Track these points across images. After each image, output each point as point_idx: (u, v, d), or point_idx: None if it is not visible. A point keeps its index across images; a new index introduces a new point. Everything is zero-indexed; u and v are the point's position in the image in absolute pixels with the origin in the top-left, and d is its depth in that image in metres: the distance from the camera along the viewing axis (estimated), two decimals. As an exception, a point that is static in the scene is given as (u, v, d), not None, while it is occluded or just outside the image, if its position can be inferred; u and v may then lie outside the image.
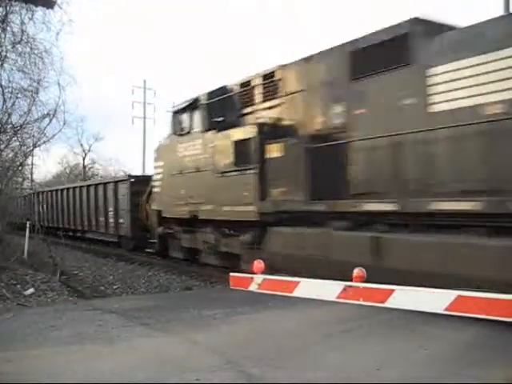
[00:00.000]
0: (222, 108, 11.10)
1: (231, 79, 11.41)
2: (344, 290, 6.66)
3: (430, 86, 7.05)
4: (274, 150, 9.24)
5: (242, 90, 10.94)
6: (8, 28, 11.49)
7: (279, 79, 9.91)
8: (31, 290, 8.81)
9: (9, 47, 11.72)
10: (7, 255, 11.36)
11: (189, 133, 11.90)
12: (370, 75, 7.92)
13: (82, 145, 42.93)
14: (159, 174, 13.45)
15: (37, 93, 12.24)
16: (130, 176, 18.34)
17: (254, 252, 9.59)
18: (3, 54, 11.58)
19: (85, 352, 4.71)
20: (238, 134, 10.11)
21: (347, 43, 8.40)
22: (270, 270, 8.18)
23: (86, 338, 5.15)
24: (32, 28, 11.79)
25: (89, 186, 22.07)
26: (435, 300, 5.81)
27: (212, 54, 77.06)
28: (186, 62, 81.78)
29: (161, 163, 13.36)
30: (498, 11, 14.77)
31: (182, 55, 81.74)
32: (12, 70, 12.03)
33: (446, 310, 5.67)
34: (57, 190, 25.87)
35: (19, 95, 12.22)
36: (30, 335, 5.33)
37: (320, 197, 8.23)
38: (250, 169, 9.63)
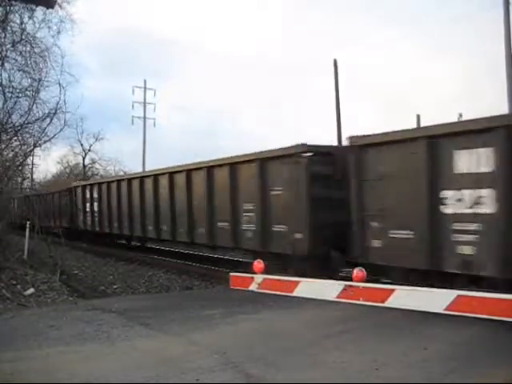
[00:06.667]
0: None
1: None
2: (344, 289, 6.67)
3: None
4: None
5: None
6: (8, 27, 11.50)
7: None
8: (31, 290, 8.80)
9: (9, 46, 11.72)
10: (7, 255, 11.35)
11: None
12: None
13: (82, 144, 42.88)
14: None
15: (37, 92, 12.21)
16: None
17: None
18: (3, 53, 11.58)
19: (85, 352, 4.71)
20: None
21: None
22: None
23: (86, 338, 5.15)
24: (31, 26, 11.80)
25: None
26: (435, 300, 5.81)
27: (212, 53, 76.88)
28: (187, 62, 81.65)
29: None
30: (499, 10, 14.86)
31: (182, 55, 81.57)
32: (12, 69, 12.02)
33: (446, 309, 5.68)
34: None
35: (20, 95, 12.20)
36: (30, 335, 5.33)
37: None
38: None
